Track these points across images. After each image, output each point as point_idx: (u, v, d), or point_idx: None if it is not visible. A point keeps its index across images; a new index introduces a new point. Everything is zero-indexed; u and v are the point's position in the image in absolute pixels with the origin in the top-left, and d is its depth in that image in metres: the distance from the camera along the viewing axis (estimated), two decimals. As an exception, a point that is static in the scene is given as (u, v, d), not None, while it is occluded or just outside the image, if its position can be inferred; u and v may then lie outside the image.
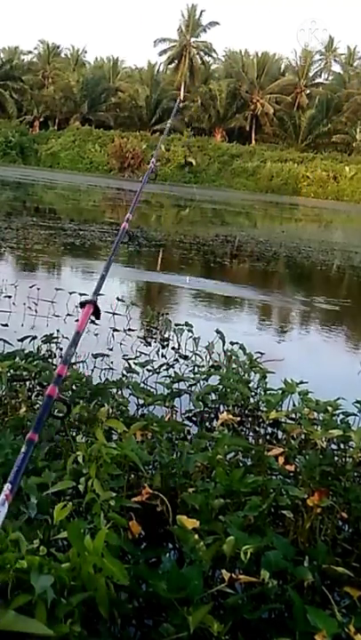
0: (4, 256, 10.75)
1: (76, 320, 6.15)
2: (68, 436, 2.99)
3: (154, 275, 10.81)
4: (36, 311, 6.56)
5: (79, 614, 1.71)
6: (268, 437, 3.84)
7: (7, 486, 1.49)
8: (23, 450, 1.60)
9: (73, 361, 4.53)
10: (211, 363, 5.08)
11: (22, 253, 11.10)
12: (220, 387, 4.10)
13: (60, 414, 1.89)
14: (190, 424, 3.86)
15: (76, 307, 6.59)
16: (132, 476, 2.73)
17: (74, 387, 3.58)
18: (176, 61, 69.71)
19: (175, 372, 4.32)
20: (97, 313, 2.07)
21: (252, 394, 4.19)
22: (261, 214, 32.91)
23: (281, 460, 3.00)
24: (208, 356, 5.20)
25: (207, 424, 3.92)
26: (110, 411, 3.42)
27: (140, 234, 16.11)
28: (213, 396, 4.09)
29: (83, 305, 2.07)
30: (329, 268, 14.80)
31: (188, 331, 5.53)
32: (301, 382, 3.98)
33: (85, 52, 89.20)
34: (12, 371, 3.84)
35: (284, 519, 2.57)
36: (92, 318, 2.10)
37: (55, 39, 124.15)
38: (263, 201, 43.37)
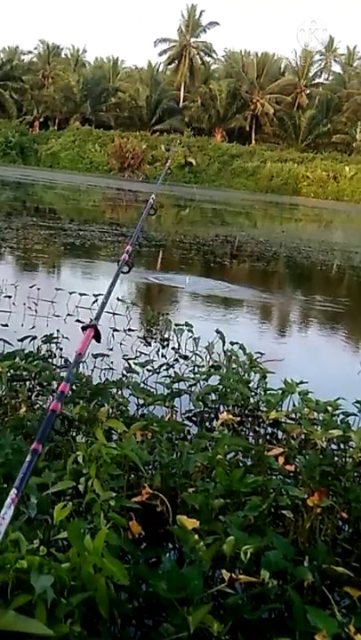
0: (3, 256, 10.75)
1: (77, 320, 6.18)
2: (68, 436, 2.99)
3: (154, 275, 10.80)
4: (36, 311, 6.56)
5: (79, 614, 1.71)
6: (268, 437, 3.84)
7: (13, 491, 1.55)
8: (28, 459, 1.65)
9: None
10: (211, 363, 5.08)
11: (22, 253, 11.10)
12: (220, 387, 4.10)
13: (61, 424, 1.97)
14: (190, 424, 3.86)
15: (77, 307, 6.64)
16: (132, 476, 2.73)
17: (74, 387, 3.58)
18: (176, 61, 69.71)
19: (175, 372, 4.32)
20: (98, 336, 2.19)
21: (252, 394, 4.19)
22: (261, 214, 32.91)
23: (281, 460, 3.00)
24: (208, 356, 5.20)
25: (207, 424, 3.92)
26: (110, 411, 3.42)
27: (140, 234, 16.08)
28: (213, 396, 4.09)
29: (84, 329, 2.18)
30: (329, 268, 14.80)
31: (189, 331, 5.53)
32: (301, 382, 3.98)
33: (85, 52, 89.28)
34: (12, 371, 3.84)
35: (284, 519, 2.57)
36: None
37: (55, 39, 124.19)
38: (263, 201, 43.37)
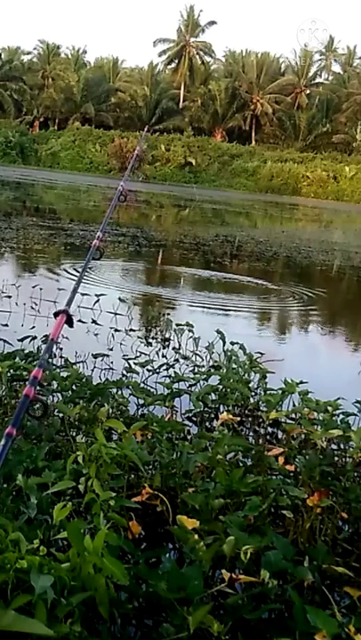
0: (4, 256, 10.75)
1: (79, 320, 6.18)
2: (68, 436, 2.99)
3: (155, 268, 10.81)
4: (38, 311, 6.56)
5: (79, 614, 1.71)
6: (268, 437, 3.84)
7: None
8: (2, 442, 1.72)
9: (73, 361, 4.54)
10: (211, 363, 5.08)
11: (22, 253, 11.10)
12: (220, 387, 4.10)
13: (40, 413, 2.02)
14: (190, 424, 3.86)
15: (79, 307, 6.64)
16: (132, 476, 2.73)
17: (74, 387, 3.58)
18: (176, 61, 69.76)
19: (175, 372, 4.32)
20: (70, 321, 2.24)
21: (252, 394, 4.19)
22: (261, 214, 32.90)
23: (281, 460, 3.00)
24: (208, 356, 5.20)
25: (207, 424, 3.92)
26: (110, 411, 3.42)
27: (141, 234, 16.10)
28: (213, 396, 4.09)
29: (56, 315, 2.23)
30: (329, 268, 14.80)
31: (189, 331, 5.53)
32: (301, 382, 3.98)
33: (85, 52, 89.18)
34: (12, 371, 3.84)
35: (284, 519, 2.57)
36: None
37: (55, 39, 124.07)
38: (263, 201, 43.36)
